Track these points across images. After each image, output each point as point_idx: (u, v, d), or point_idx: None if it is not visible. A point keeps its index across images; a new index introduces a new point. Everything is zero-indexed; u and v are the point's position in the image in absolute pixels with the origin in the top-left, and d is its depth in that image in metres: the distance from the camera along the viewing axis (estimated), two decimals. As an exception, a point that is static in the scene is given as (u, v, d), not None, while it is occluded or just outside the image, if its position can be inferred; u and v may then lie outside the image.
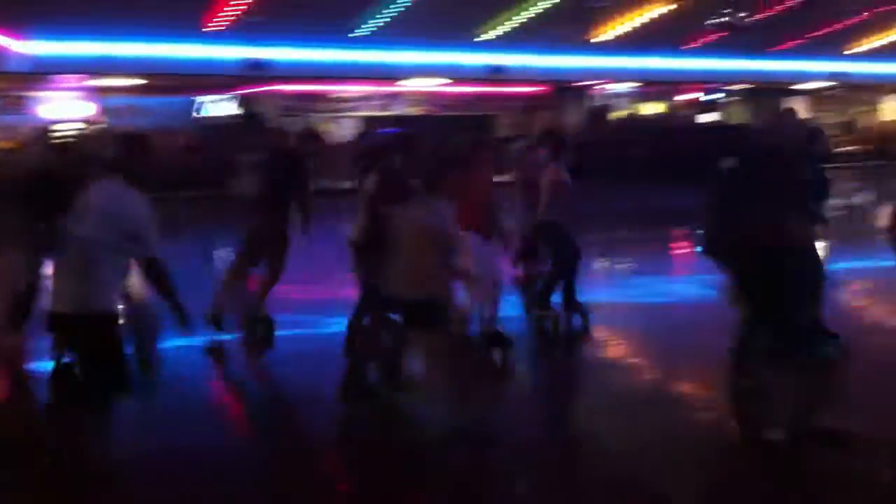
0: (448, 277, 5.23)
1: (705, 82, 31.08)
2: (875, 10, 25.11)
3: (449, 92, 28.31)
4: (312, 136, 8.24)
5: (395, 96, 28.70)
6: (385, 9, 23.60)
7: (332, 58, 24.54)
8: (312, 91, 26.79)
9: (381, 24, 23.96)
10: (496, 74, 26.32)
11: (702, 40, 26.93)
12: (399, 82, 27.04)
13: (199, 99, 27.34)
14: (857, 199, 20.92)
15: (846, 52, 30.37)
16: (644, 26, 24.71)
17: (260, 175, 7.54)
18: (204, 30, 22.24)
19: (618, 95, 30.81)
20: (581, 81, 28.78)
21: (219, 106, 27.43)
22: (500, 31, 25.44)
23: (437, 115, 28.04)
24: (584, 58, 27.25)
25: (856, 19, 25.45)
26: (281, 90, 25.55)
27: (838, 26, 25.88)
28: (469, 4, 23.13)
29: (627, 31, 25.77)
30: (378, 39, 24.28)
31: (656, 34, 25.20)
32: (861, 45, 29.73)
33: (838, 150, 33.88)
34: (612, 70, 28.20)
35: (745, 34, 24.07)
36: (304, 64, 24.25)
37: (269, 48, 23.14)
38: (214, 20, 22.10)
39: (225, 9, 21.81)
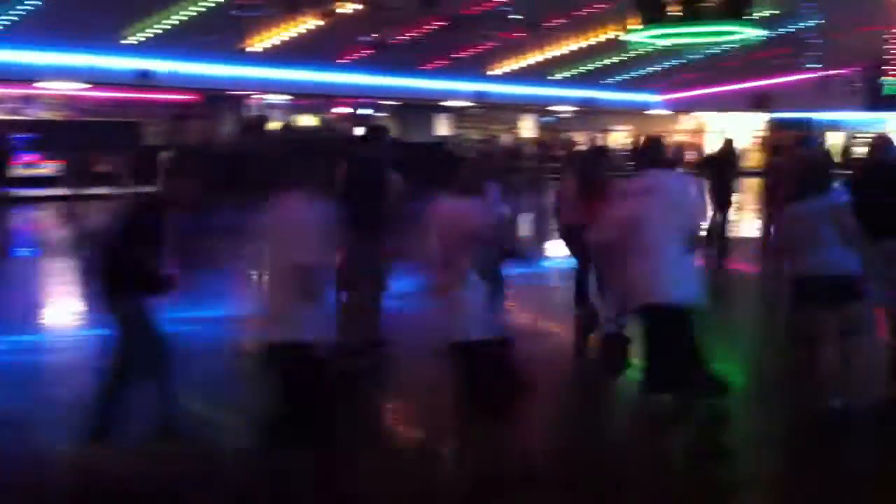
0: None
1: (357, 97, 31.77)
2: (511, 36, 27.00)
3: (92, 96, 26.49)
4: None
5: (29, 99, 26.37)
6: (17, 3, 21.44)
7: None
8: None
9: (13, 20, 21.77)
10: (143, 80, 25.01)
11: (354, 56, 27.43)
12: (35, 84, 24.87)
13: None
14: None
15: (488, 74, 32.44)
16: (297, 39, 24.67)
17: None
18: None
19: (271, 107, 30.61)
20: (233, 91, 28.22)
21: None
22: (148, 34, 24.15)
23: (79, 121, 26.23)
24: (235, 67, 26.69)
25: (494, 44, 27.21)
26: None
27: (480, 49, 27.54)
28: (112, 4, 21.68)
29: (280, 43, 25.59)
30: (9, 37, 22.08)
31: (309, 47, 25.27)
32: (500, 67, 31.92)
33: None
34: (265, 81, 27.89)
35: (394, 52, 24.85)
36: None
37: None
38: None
39: None
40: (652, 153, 6.04)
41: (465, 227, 4.92)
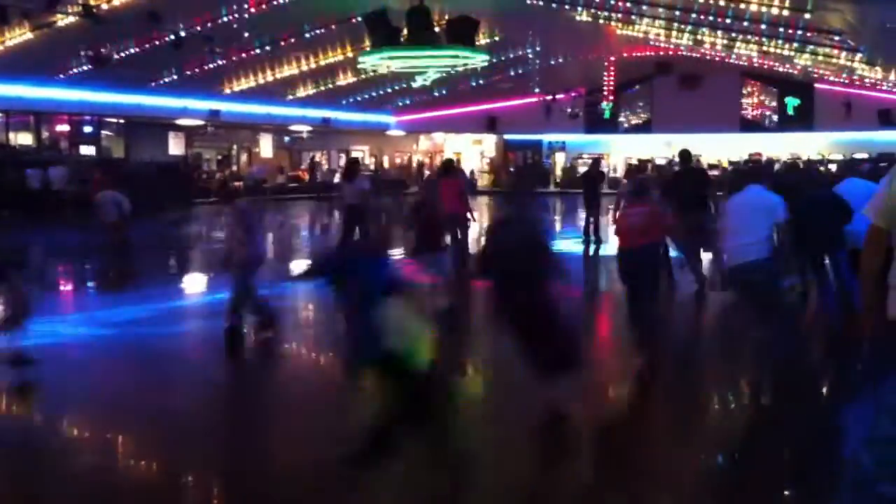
0: None
1: (80, 113, 29.93)
2: (244, 54, 26.44)
3: None
4: None
5: None
6: None
7: None
8: None
9: None
10: None
11: (75, 70, 25.76)
12: None
13: None
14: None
15: (223, 92, 31.60)
16: (9, 51, 22.77)
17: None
18: None
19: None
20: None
21: None
22: None
23: None
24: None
25: (227, 62, 26.53)
26: None
27: (212, 67, 26.74)
28: None
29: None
30: None
31: (24, 61, 23.41)
32: (235, 85, 31.21)
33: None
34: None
35: (119, 68, 23.58)
36: None
37: None
38: None
39: None
40: None
41: None
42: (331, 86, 33.41)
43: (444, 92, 35.57)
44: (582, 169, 38.63)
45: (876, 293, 4.09)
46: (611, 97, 38.56)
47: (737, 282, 7.58)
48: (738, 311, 8.68)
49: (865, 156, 35.03)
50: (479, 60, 23.22)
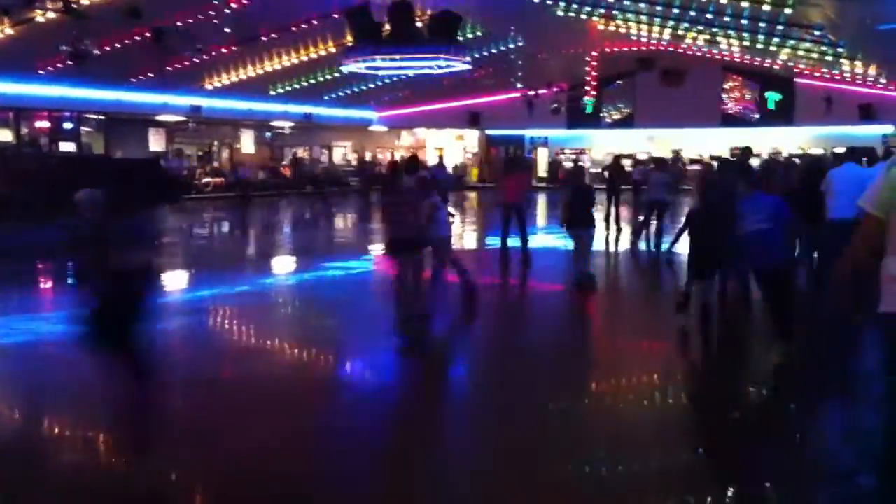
0: None
1: (59, 109, 29.67)
2: (225, 50, 26.28)
3: None
4: None
5: None
6: None
7: None
8: None
9: None
10: None
11: (55, 66, 25.52)
12: None
13: None
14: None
15: (204, 88, 31.41)
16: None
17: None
18: None
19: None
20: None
21: None
22: None
23: None
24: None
25: (208, 57, 26.34)
26: None
27: (193, 63, 26.53)
28: None
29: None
30: None
31: (2, 56, 23.21)
32: (217, 81, 31.02)
33: (198, 181, 35.20)
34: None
35: (98, 63, 23.37)
36: None
37: None
38: None
39: None
40: None
41: None
42: (312, 81, 33.30)
43: (423, 87, 35.51)
44: (567, 164, 39.13)
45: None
46: (593, 92, 38.58)
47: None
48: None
49: (842, 150, 35.20)
50: (461, 66, 23.26)
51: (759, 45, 27.14)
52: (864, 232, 4.14)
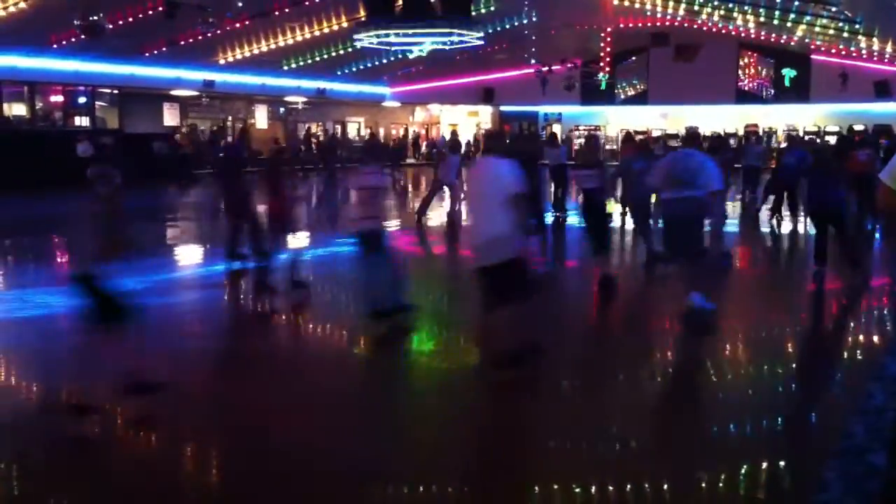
0: None
1: (73, 84, 29.73)
2: (237, 24, 26.23)
3: None
4: None
5: None
6: None
7: None
8: None
9: None
10: None
11: (69, 40, 25.54)
12: None
13: None
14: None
15: (217, 62, 31.40)
16: (2, 21, 22.57)
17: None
18: None
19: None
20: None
21: None
22: None
23: None
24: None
25: (221, 32, 26.28)
26: None
27: (206, 37, 26.48)
28: None
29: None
30: None
31: (16, 30, 23.23)
32: (230, 56, 31.01)
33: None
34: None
35: (111, 37, 23.39)
36: None
37: None
38: None
39: None
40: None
41: None
42: (325, 56, 33.23)
43: (437, 62, 35.39)
44: (579, 141, 39.00)
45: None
46: (607, 69, 38.37)
47: None
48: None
49: (861, 127, 35.11)
50: (473, 38, 23.16)
51: (775, 21, 26.92)
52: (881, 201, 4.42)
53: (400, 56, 32.54)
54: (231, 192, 11.68)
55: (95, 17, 22.26)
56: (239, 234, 11.35)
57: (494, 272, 6.47)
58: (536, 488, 4.87)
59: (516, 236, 6.45)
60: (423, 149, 45.11)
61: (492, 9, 28.21)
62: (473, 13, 23.77)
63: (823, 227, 11.00)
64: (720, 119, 39.97)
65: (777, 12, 25.06)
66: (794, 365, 7.74)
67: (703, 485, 4.85)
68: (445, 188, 17.96)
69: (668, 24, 32.38)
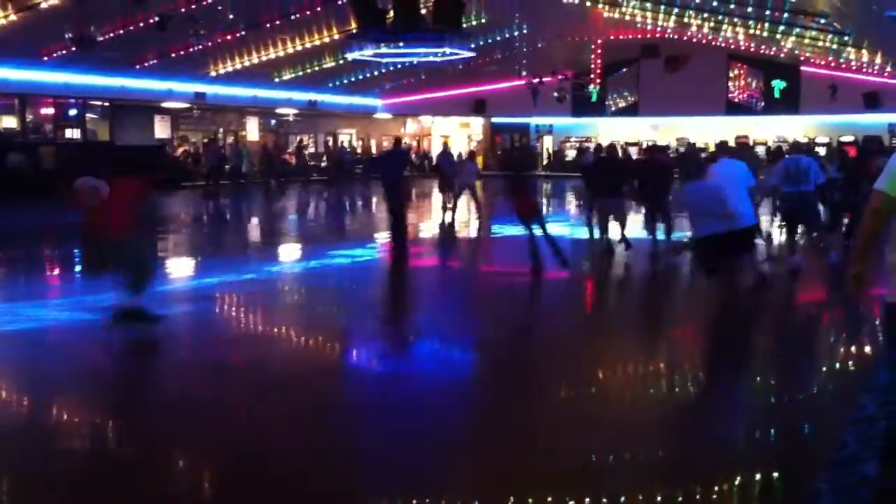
0: None
1: (64, 96, 29.70)
2: (228, 36, 26.24)
3: None
4: None
5: None
6: None
7: None
8: None
9: None
10: None
11: (60, 52, 25.53)
12: None
13: None
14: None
15: (208, 74, 31.41)
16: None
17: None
18: None
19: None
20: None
21: None
22: None
23: None
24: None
25: (212, 44, 26.29)
26: None
27: (197, 49, 26.49)
28: None
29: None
30: None
31: (6, 42, 23.21)
32: (221, 68, 31.01)
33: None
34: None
35: (102, 50, 23.39)
36: None
37: None
38: None
39: None
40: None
41: None
42: (317, 68, 33.28)
43: (428, 74, 35.47)
44: (570, 153, 39.12)
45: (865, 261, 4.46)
46: (597, 80, 38.52)
47: None
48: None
49: (851, 138, 35.32)
50: (465, 55, 23.30)
51: (765, 33, 27.07)
52: (871, 209, 4.43)
53: (391, 68, 32.63)
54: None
55: (87, 30, 22.31)
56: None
57: (744, 233, 8.69)
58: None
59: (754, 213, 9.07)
60: (415, 160, 45.07)
61: (483, 21, 28.31)
62: (465, 25, 23.86)
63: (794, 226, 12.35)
64: (711, 130, 40.08)
65: (766, 24, 25.19)
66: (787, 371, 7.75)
67: (697, 497, 4.84)
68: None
69: (657, 35, 32.54)
